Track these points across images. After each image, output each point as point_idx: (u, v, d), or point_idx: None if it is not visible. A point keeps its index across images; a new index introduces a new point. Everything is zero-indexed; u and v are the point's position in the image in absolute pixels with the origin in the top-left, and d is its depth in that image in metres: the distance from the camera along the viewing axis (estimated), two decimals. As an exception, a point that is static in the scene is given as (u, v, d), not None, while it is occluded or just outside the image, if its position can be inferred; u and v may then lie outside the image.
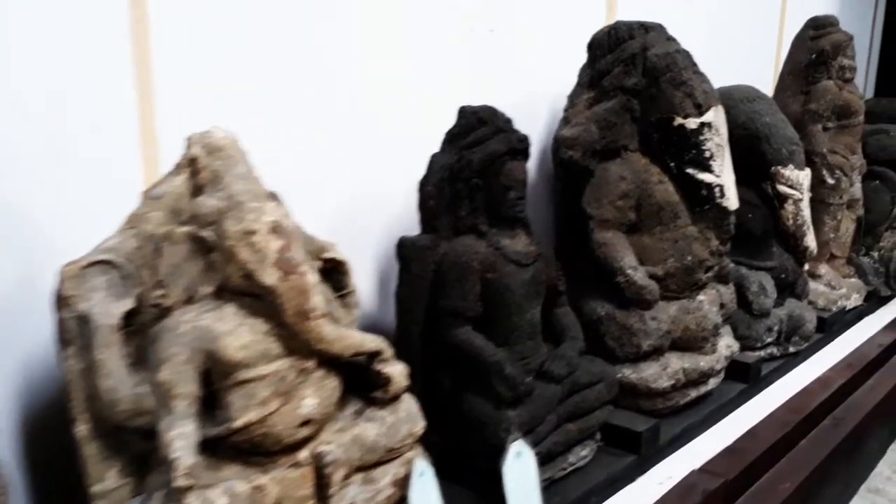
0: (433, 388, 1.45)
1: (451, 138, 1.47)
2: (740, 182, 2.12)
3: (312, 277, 0.99)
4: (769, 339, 2.12)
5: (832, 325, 2.48)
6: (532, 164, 2.02)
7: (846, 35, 2.53)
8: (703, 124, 1.67)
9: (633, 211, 1.72)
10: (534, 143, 2.02)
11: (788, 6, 3.09)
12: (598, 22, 2.09)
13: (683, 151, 1.69)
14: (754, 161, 2.15)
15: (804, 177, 2.15)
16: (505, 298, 1.43)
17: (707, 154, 1.68)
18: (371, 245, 1.63)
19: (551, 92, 1.97)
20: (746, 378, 1.98)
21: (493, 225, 1.46)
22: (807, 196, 2.18)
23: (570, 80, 1.88)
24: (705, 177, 1.69)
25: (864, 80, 4.09)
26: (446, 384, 1.44)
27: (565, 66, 1.90)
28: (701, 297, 1.79)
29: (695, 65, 1.74)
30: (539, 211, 1.97)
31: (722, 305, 1.86)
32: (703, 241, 1.74)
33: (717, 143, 1.69)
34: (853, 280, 2.73)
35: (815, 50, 2.52)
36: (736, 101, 2.19)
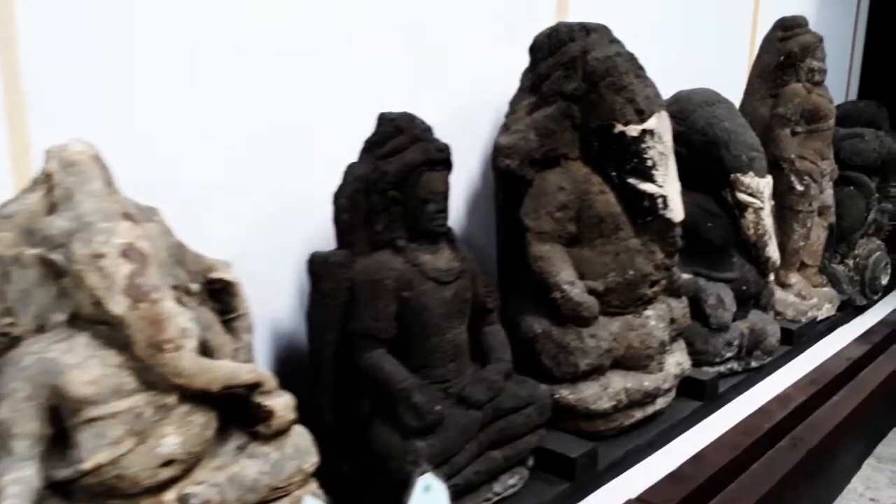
0: (347, 414, 1.36)
1: (369, 147, 1.38)
2: (699, 189, 2.05)
3: (168, 305, 0.91)
4: (729, 354, 2.04)
5: (801, 336, 2.39)
6: (476, 174, 1.94)
7: (816, 36, 2.44)
8: (644, 131, 1.57)
9: (573, 222, 1.63)
10: (477, 151, 1.96)
11: (761, 6, 2.99)
12: (548, 21, 1.99)
13: (624, 160, 1.60)
14: (713, 168, 2.06)
15: (765, 184, 2.06)
16: (422, 318, 1.34)
17: (649, 163, 1.59)
18: (291, 260, 1.54)
19: (498, 96, 1.88)
20: (702, 396, 1.89)
21: (414, 240, 1.38)
22: (768, 205, 2.09)
23: (517, 85, 1.79)
24: (647, 187, 1.60)
25: (847, 82, 3.98)
26: (363, 410, 1.36)
27: (513, 69, 1.81)
28: (648, 312, 1.70)
29: (639, 68, 1.64)
30: (484, 223, 1.89)
31: (673, 321, 1.77)
32: (646, 254, 1.65)
33: (661, 152, 1.59)
34: (825, 289, 2.64)
35: (784, 52, 2.42)
36: (695, 105, 2.10)
